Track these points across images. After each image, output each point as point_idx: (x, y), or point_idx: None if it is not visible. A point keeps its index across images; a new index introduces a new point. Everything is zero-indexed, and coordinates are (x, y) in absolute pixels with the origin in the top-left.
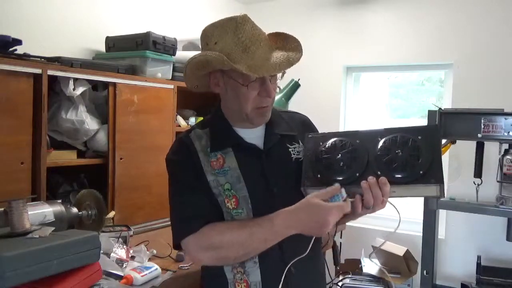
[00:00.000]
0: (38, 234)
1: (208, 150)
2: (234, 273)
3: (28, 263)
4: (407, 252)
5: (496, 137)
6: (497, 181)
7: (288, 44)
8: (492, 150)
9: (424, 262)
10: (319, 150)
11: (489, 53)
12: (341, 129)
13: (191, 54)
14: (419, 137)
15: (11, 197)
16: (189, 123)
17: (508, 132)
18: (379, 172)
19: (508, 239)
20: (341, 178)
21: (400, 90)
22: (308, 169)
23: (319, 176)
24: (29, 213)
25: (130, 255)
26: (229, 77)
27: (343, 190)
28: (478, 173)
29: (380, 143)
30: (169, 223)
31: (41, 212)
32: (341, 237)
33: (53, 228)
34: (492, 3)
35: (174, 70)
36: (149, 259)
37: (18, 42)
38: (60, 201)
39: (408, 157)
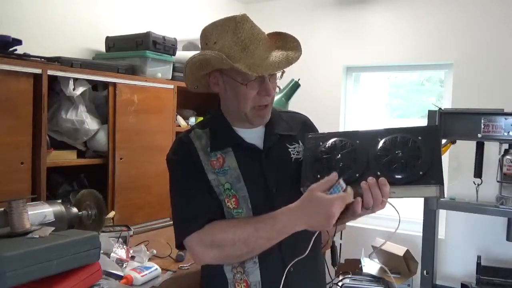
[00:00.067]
0: (38, 234)
1: (208, 150)
2: (234, 273)
3: (28, 263)
4: (407, 252)
5: (496, 137)
6: (497, 181)
7: (287, 44)
8: (492, 150)
9: (424, 262)
10: (319, 150)
11: (489, 53)
12: (341, 129)
13: (191, 54)
14: (419, 138)
15: (11, 197)
16: (189, 123)
17: (508, 132)
18: (378, 173)
19: (508, 239)
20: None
21: (400, 90)
22: (308, 169)
23: (318, 176)
24: (29, 213)
25: (130, 255)
26: (228, 77)
27: (341, 181)
28: (478, 173)
29: (380, 144)
30: (169, 223)
31: (41, 212)
32: (341, 238)
33: (53, 228)
34: (492, 3)
35: (174, 70)
36: (149, 259)
37: (18, 42)
38: (60, 201)
39: (408, 157)
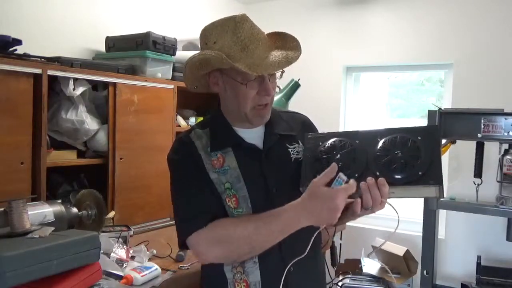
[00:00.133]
0: (38, 234)
1: (208, 149)
2: (234, 273)
3: (28, 263)
4: (407, 252)
5: (496, 137)
6: (497, 181)
7: (287, 44)
8: (492, 150)
9: (424, 262)
10: (319, 150)
11: (489, 53)
12: (341, 129)
13: (191, 54)
14: (419, 138)
15: (11, 197)
16: (189, 123)
17: (508, 132)
18: (378, 173)
19: (508, 239)
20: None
21: (400, 90)
22: (307, 169)
23: (318, 176)
24: (29, 213)
25: (130, 255)
26: (228, 76)
27: (342, 174)
28: (478, 173)
29: (380, 144)
30: (169, 223)
31: (41, 212)
32: (341, 238)
33: (53, 228)
34: (492, 3)
35: (174, 70)
36: (149, 259)
37: (18, 42)
38: (60, 201)
39: (407, 157)
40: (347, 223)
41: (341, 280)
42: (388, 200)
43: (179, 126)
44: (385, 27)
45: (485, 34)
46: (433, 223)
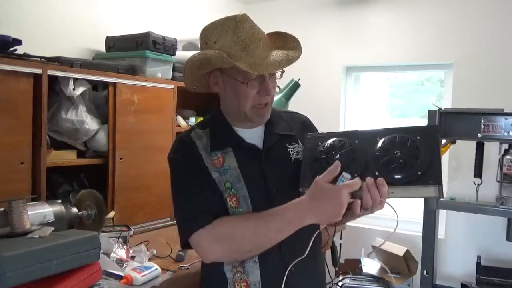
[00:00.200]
0: (38, 234)
1: (209, 149)
2: (234, 273)
3: (28, 263)
4: (407, 252)
5: (496, 137)
6: (497, 181)
7: (287, 44)
8: (492, 150)
9: (424, 262)
10: (318, 150)
11: (489, 53)
12: (341, 129)
13: (191, 54)
14: (418, 138)
15: (11, 197)
16: (189, 123)
17: (508, 132)
18: (377, 173)
19: (508, 239)
20: (338, 180)
21: (400, 90)
22: (307, 169)
23: (317, 176)
24: (29, 213)
25: (130, 255)
26: (228, 76)
27: (345, 173)
28: (478, 173)
29: (379, 144)
30: (169, 223)
31: (41, 212)
32: (341, 238)
33: (53, 228)
34: (492, 3)
35: (174, 70)
36: (149, 259)
37: (18, 42)
38: (60, 201)
39: (406, 157)
40: (347, 223)
41: (341, 280)
42: (388, 200)
43: (179, 126)
44: (385, 27)
45: (485, 34)
46: (433, 223)
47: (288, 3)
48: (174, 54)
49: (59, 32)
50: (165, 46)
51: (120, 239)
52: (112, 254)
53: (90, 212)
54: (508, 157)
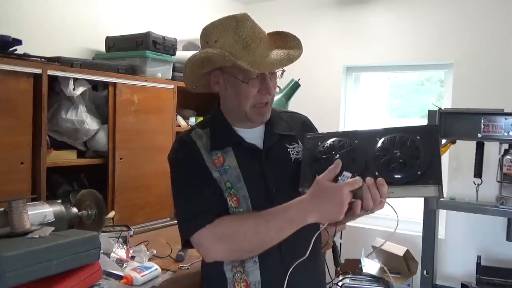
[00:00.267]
0: (38, 234)
1: (209, 149)
2: (234, 273)
3: (28, 263)
4: (407, 252)
5: (496, 137)
6: (497, 181)
7: (288, 43)
8: (492, 150)
9: (424, 262)
10: (318, 150)
11: (489, 53)
12: (341, 129)
13: (191, 54)
14: (418, 137)
15: (11, 197)
16: (189, 123)
17: (508, 132)
18: (377, 173)
19: (508, 239)
20: (339, 178)
21: (400, 90)
22: (307, 169)
23: (317, 176)
24: (29, 213)
25: (130, 255)
26: (229, 75)
27: (346, 172)
28: (478, 173)
29: (379, 144)
30: (169, 223)
31: (41, 212)
32: (341, 237)
33: (53, 228)
34: (492, 3)
35: (174, 70)
36: (149, 259)
37: (18, 42)
38: (60, 201)
39: (406, 157)
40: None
41: (341, 280)
42: (388, 200)
43: (179, 126)
44: (385, 27)
45: (485, 34)
46: (433, 223)
47: (288, 3)
48: (174, 54)
49: (59, 32)
50: (165, 46)
51: (120, 239)
52: (112, 254)
53: (90, 212)
54: (508, 157)
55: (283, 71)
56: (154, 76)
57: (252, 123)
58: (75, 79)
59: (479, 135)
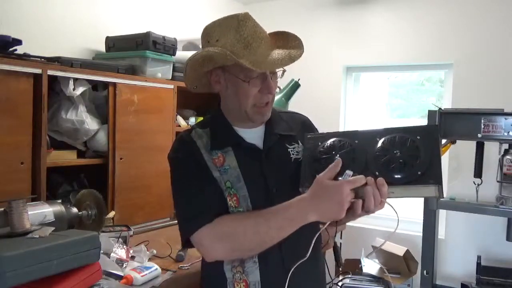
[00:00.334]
0: (38, 234)
1: (209, 148)
2: (234, 273)
3: (28, 263)
4: (407, 252)
5: (496, 137)
6: (497, 181)
7: (289, 43)
8: (492, 150)
9: (424, 262)
10: (318, 150)
11: (489, 53)
12: (341, 129)
13: (191, 54)
14: (418, 137)
15: (11, 197)
16: (189, 123)
17: (508, 132)
18: (377, 173)
19: (508, 239)
20: (339, 179)
21: (400, 90)
22: (307, 169)
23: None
24: (29, 213)
25: (130, 255)
26: (230, 74)
27: (348, 171)
28: (478, 173)
29: (379, 144)
30: (169, 223)
31: (41, 212)
32: (341, 237)
33: (53, 228)
34: (492, 3)
35: (174, 70)
36: (149, 259)
37: (18, 42)
38: (60, 201)
39: (406, 157)
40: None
41: (341, 280)
42: (388, 200)
43: (179, 126)
44: (385, 27)
45: (485, 34)
46: (433, 223)
47: (288, 3)
48: (174, 54)
49: (59, 32)
50: (165, 46)
51: (120, 239)
52: (112, 254)
53: (90, 212)
54: (508, 157)
55: (284, 70)
56: (154, 76)
57: (252, 123)
58: (75, 79)
59: (479, 135)
